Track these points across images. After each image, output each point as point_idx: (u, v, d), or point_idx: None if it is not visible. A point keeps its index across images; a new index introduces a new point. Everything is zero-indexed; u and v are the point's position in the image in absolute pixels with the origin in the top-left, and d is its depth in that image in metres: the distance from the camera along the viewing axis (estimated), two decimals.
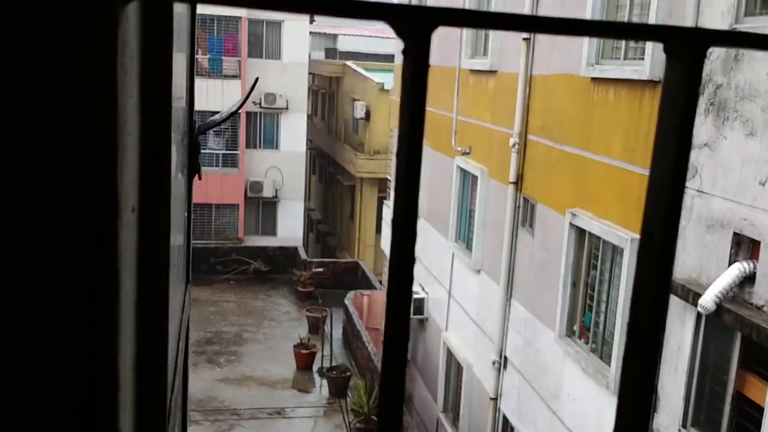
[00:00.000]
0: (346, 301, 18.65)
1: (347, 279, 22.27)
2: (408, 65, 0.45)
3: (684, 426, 6.56)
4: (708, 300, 5.85)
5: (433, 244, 13.88)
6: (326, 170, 31.01)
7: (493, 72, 11.30)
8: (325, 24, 39.06)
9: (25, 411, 0.68)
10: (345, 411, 14.60)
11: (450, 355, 12.94)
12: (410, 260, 0.47)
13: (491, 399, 10.96)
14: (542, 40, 9.67)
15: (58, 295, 0.67)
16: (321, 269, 22.35)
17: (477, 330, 11.80)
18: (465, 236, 12.55)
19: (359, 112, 25.76)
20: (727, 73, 6.11)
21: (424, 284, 14.46)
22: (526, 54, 9.92)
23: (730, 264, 5.94)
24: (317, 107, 33.22)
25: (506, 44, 10.83)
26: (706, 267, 6.28)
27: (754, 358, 5.91)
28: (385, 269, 19.12)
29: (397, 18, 0.43)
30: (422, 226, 14.31)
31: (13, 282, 0.65)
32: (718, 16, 6.25)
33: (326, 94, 31.72)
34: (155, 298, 0.94)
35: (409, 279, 0.46)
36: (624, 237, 7.51)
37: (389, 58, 29.93)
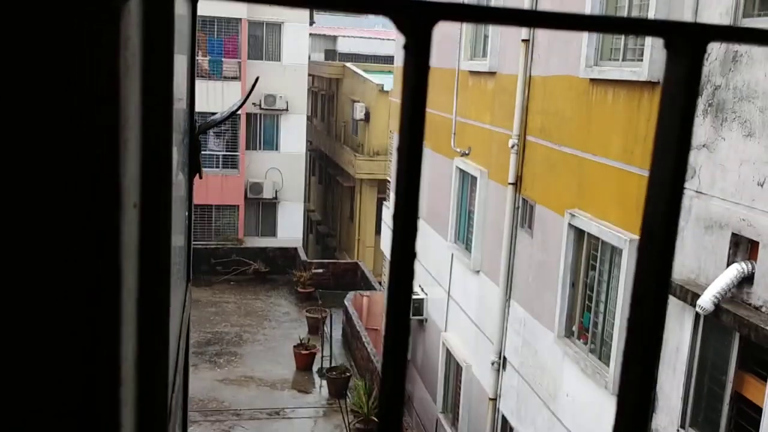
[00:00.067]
0: (345, 302, 18.65)
1: (347, 280, 22.27)
2: (409, 60, 0.45)
3: (683, 426, 6.56)
4: (706, 300, 5.86)
5: (432, 245, 13.88)
6: (326, 171, 31.01)
7: (492, 73, 11.30)
8: (325, 26, 39.07)
9: (25, 411, 0.68)
10: (345, 411, 14.59)
11: (449, 355, 12.94)
12: (411, 260, 0.47)
13: (490, 399, 10.95)
14: (541, 41, 9.68)
15: (60, 290, 0.68)
16: (321, 270, 22.35)
17: (476, 331, 11.80)
18: (464, 237, 12.55)
19: (359, 114, 25.77)
20: (725, 74, 6.12)
21: (423, 285, 14.45)
22: (525, 55, 9.93)
23: (728, 264, 5.94)
24: (317, 109, 33.22)
25: (505, 46, 10.84)
26: (704, 267, 6.29)
27: (752, 359, 5.92)
28: (385, 270, 19.11)
29: (398, 12, 0.43)
30: (421, 227, 14.32)
31: (15, 280, 0.66)
32: (716, 18, 6.26)
33: (326, 95, 31.73)
34: (156, 294, 0.94)
35: (410, 279, 0.47)
36: (623, 238, 7.51)
37: (389, 59, 29.95)
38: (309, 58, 27.54)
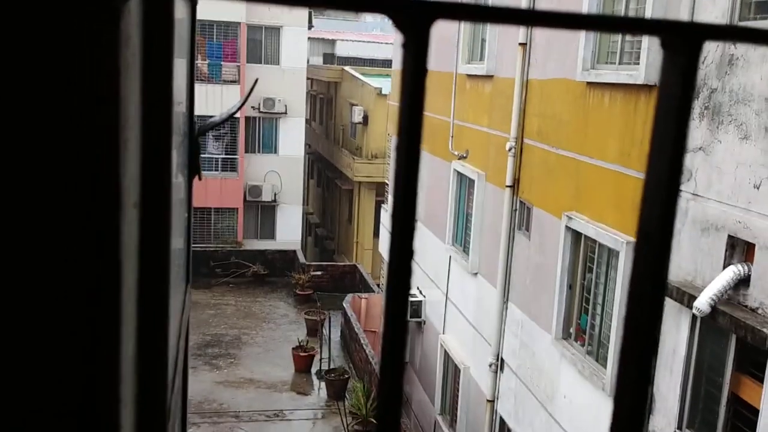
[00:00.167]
0: (344, 304, 18.65)
1: (345, 282, 22.28)
2: (407, 59, 0.45)
3: (679, 428, 6.57)
4: (703, 302, 5.87)
5: (430, 248, 13.88)
6: (324, 174, 31.02)
7: (489, 77, 11.32)
8: (324, 30, 39.11)
9: (25, 411, 0.68)
10: (343, 413, 14.58)
11: (447, 357, 12.94)
12: (408, 262, 0.47)
13: (488, 401, 10.95)
14: (538, 44, 9.70)
15: (60, 290, 0.68)
16: (319, 272, 22.36)
17: (474, 333, 11.80)
18: (462, 240, 12.56)
19: (357, 117, 25.80)
20: (721, 78, 6.14)
21: (421, 287, 14.46)
22: (523, 59, 9.95)
23: (724, 266, 5.95)
24: (315, 112, 33.25)
25: (503, 49, 10.86)
26: (701, 270, 6.30)
27: (748, 360, 5.93)
28: (383, 272, 19.11)
29: (396, 11, 0.44)
30: (419, 229, 14.31)
31: (15, 280, 0.66)
32: (712, 21, 6.28)
33: (324, 99, 31.75)
34: (156, 295, 0.94)
35: (407, 281, 0.47)
36: (619, 240, 7.53)
37: (387, 63, 29.98)
38: (308, 61, 27.56)
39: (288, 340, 18.10)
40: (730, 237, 5.98)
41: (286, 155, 26.31)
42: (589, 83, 8.33)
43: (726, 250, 6.01)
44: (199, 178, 1.89)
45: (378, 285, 20.81)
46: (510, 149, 10.21)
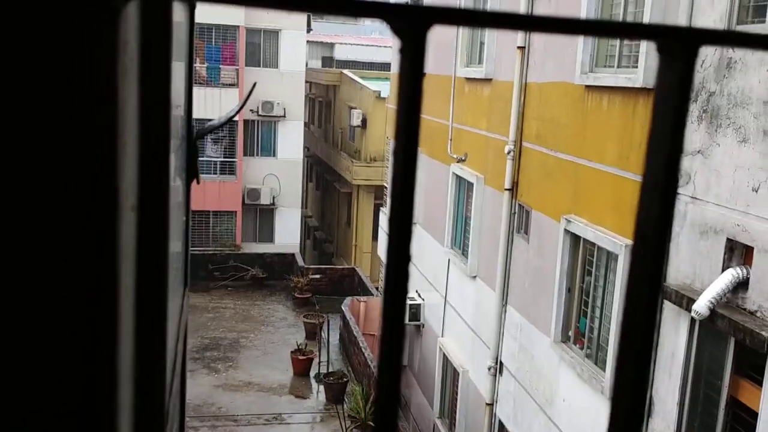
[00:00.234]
0: (342, 308, 18.63)
1: (344, 285, 22.26)
2: (404, 63, 0.45)
3: (678, 431, 6.56)
4: (702, 305, 5.87)
5: (429, 251, 13.88)
6: (323, 178, 31.03)
7: (488, 80, 11.34)
8: (322, 33, 39.14)
9: (24, 412, 0.69)
10: (342, 417, 14.56)
11: (446, 360, 12.93)
12: (406, 262, 0.48)
13: (487, 404, 10.95)
14: (537, 48, 9.71)
15: (58, 292, 0.68)
16: (318, 276, 22.34)
17: (473, 336, 11.80)
18: (461, 243, 12.56)
19: (356, 120, 25.82)
20: (719, 81, 6.15)
21: (420, 290, 14.45)
22: (521, 62, 9.97)
23: (723, 270, 5.96)
24: (314, 115, 33.26)
25: (501, 52, 10.88)
26: (699, 273, 6.30)
27: (747, 364, 5.93)
28: (382, 275, 19.11)
29: (393, 16, 0.44)
30: (418, 232, 14.32)
31: (12, 283, 0.66)
32: (710, 24, 6.29)
33: (323, 102, 31.77)
34: (154, 298, 0.94)
35: (405, 283, 0.47)
36: (618, 243, 7.53)
37: (385, 66, 30.01)
38: (306, 65, 27.59)
39: (287, 344, 18.08)
40: (728, 240, 5.98)
41: (285, 158, 26.32)
42: (587, 86, 8.34)
43: (725, 253, 6.01)
44: (197, 182, 1.89)
45: (377, 288, 20.80)
46: (509, 152, 10.22)
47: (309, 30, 27.54)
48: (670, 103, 0.48)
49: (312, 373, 16.80)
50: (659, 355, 6.80)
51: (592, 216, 8.20)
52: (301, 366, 16.76)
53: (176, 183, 1.59)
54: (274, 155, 26.36)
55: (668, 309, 6.62)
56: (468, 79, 12.14)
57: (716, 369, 6.23)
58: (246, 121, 25.36)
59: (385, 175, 19.73)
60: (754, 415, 5.72)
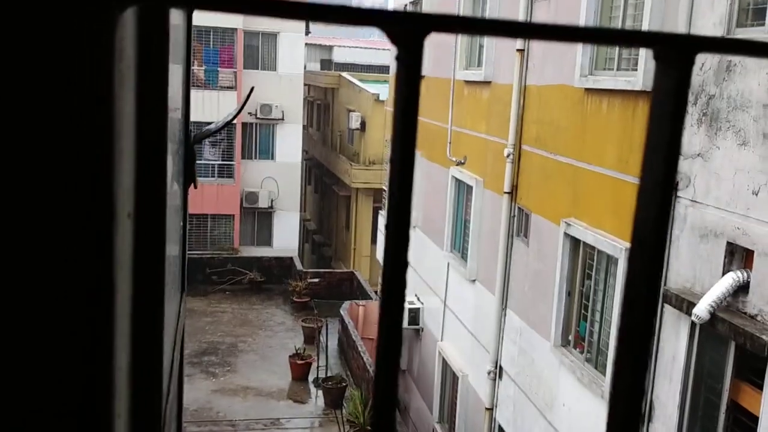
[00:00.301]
0: (341, 312, 18.61)
1: (343, 289, 22.24)
2: (401, 71, 0.45)
3: None
4: (702, 309, 5.87)
5: (428, 254, 13.88)
6: (322, 181, 31.03)
7: (487, 83, 11.35)
8: (321, 35, 39.18)
9: (22, 414, 0.68)
10: (341, 422, 14.53)
11: (445, 365, 12.92)
12: (403, 264, 0.47)
13: (487, 409, 10.93)
14: (536, 51, 9.72)
15: (54, 300, 0.68)
16: (316, 279, 22.31)
17: (472, 340, 11.78)
18: (460, 246, 12.56)
19: (355, 123, 25.83)
20: (719, 84, 6.15)
21: (419, 294, 14.44)
22: (520, 65, 9.97)
23: (723, 273, 5.95)
24: (313, 118, 33.28)
25: (500, 55, 10.88)
26: (699, 276, 6.30)
27: (748, 367, 5.92)
28: (380, 279, 19.09)
29: (389, 24, 0.43)
30: (418, 236, 14.32)
31: (7, 291, 0.66)
32: (709, 28, 6.30)
33: (322, 105, 31.79)
34: (151, 304, 0.94)
35: (402, 285, 0.47)
36: (618, 247, 7.53)
37: (384, 69, 30.02)
38: (305, 67, 27.61)
39: (285, 348, 18.05)
40: (729, 243, 5.98)
41: (283, 161, 26.32)
42: (587, 89, 8.35)
43: (725, 257, 6.01)
44: (195, 186, 1.89)
45: (376, 292, 20.79)
46: (508, 155, 10.22)
47: (307, 33, 27.57)
48: (667, 110, 0.48)
49: (310, 378, 16.77)
50: (660, 359, 6.80)
51: (592, 219, 8.20)
52: (300, 370, 16.73)
53: (173, 188, 1.58)
54: (272, 158, 26.36)
55: (669, 313, 6.61)
56: (467, 82, 12.15)
57: (717, 373, 6.23)
58: (244, 124, 25.37)
59: (384, 178, 19.74)
60: (755, 420, 5.71)
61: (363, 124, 25.58)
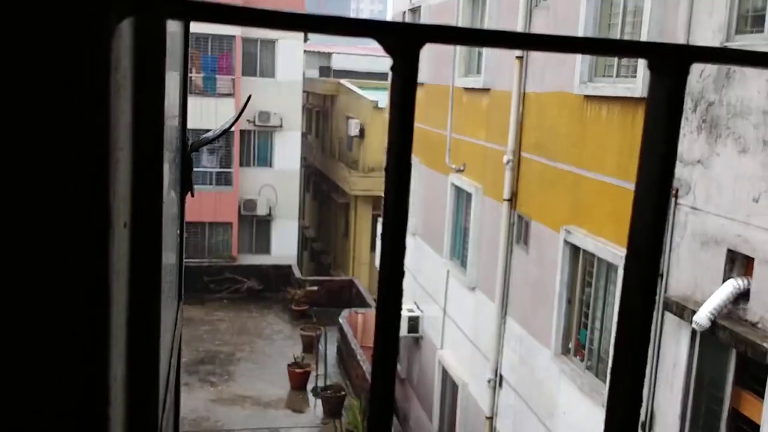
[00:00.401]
0: (340, 320, 18.57)
1: (342, 297, 22.19)
2: (396, 81, 0.45)
3: None
4: (703, 317, 5.86)
5: (427, 262, 13.87)
6: (321, 188, 31.04)
7: (486, 90, 11.36)
8: (320, 43, 39.26)
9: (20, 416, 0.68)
10: (339, 431, 14.49)
11: (445, 373, 12.88)
12: (400, 270, 0.47)
13: (487, 418, 10.90)
14: (535, 58, 9.74)
15: (48, 310, 0.67)
16: (315, 287, 22.27)
17: (472, 348, 11.76)
18: (460, 254, 12.55)
19: (353, 130, 25.85)
20: (719, 91, 6.16)
21: (419, 302, 14.42)
22: (520, 72, 9.99)
23: (724, 281, 5.95)
24: (311, 125, 33.31)
25: (500, 62, 10.91)
26: (700, 284, 6.29)
27: (749, 375, 5.91)
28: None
29: (385, 35, 0.43)
30: (417, 243, 14.31)
31: (3, 297, 0.65)
32: (709, 35, 6.31)
33: (320, 112, 31.83)
34: (147, 313, 0.93)
35: (399, 289, 0.46)
36: (618, 254, 7.52)
37: (383, 76, 30.08)
38: (303, 74, 27.66)
39: (283, 357, 17.99)
40: (729, 251, 5.98)
41: (282, 169, 26.32)
42: (586, 96, 8.37)
43: (725, 264, 6.00)
44: (192, 195, 1.88)
45: (375, 300, 20.75)
46: (507, 162, 10.23)
47: (306, 40, 27.62)
48: (662, 119, 0.47)
49: (309, 387, 16.71)
50: (660, 367, 6.78)
51: (592, 226, 8.20)
52: (298, 379, 16.68)
53: (170, 196, 1.58)
54: (270, 166, 26.35)
55: (669, 320, 6.60)
56: (466, 89, 12.17)
57: (718, 381, 6.21)
58: (242, 132, 25.38)
59: (383, 185, 19.74)
60: (757, 428, 5.69)
61: (362, 132, 25.60)
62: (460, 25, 12.36)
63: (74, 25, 0.60)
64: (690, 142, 6.46)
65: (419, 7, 14.57)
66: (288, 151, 26.38)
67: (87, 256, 0.67)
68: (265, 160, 26.35)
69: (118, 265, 0.77)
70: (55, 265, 0.66)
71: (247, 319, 21.28)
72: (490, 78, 11.21)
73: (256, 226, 26.37)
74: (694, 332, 6.28)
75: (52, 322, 0.67)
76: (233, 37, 24.84)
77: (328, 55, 40.20)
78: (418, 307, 14.38)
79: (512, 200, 10.28)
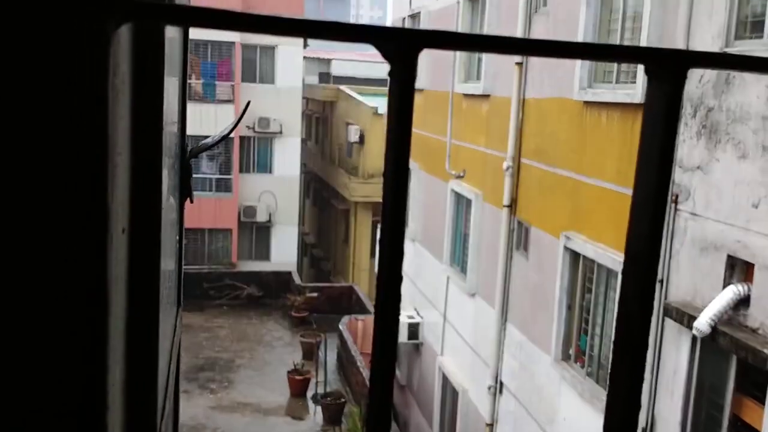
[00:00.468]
0: (340, 326, 18.54)
1: (342, 304, 22.17)
2: (394, 86, 0.45)
3: None
4: (703, 323, 5.85)
5: (427, 268, 13.85)
6: (320, 194, 31.04)
7: (486, 96, 11.38)
8: (319, 49, 39.31)
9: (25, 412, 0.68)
10: None
11: (445, 380, 12.86)
12: (398, 274, 0.47)
13: (487, 425, 10.87)
14: (535, 64, 9.76)
15: (46, 316, 0.67)
16: (315, 294, 22.24)
17: (472, 354, 11.74)
18: (459, 260, 12.54)
19: (353, 136, 25.87)
20: (718, 96, 6.17)
21: (418, 308, 14.40)
22: (519, 78, 10.01)
23: (724, 286, 5.94)
24: (311, 131, 33.34)
25: (499, 68, 10.92)
26: (700, 290, 6.28)
27: (750, 382, 5.89)
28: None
29: (382, 40, 0.43)
30: (417, 249, 14.30)
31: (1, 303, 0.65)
32: (708, 40, 6.32)
33: (320, 118, 31.87)
34: (146, 320, 0.93)
35: (397, 293, 0.46)
36: (618, 260, 7.52)
37: (383, 82, 30.13)
38: (303, 80, 27.69)
39: (283, 364, 17.95)
40: (729, 257, 5.97)
41: (282, 175, 26.32)
42: (586, 102, 8.38)
43: (725, 270, 6.00)
44: (191, 201, 1.88)
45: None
46: (507, 169, 10.23)
47: (306, 46, 27.66)
48: (659, 125, 0.47)
49: (309, 394, 16.67)
50: (661, 373, 6.77)
51: (592, 232, 8.19)
52: (298, 386, 16.63)
53: (169, 202, 1.58)
54: (270, 172, 26.35)
55: (669, 327, 6.59)
56: (466, 95, 12.18)
57: (718, 387, 6.20)
58: (242, 138, 25.39)
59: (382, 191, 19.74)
60: None
61: (362, 138, 25.62)
62: (459, 31, 12.35)
63: (73, 29, 0.60)
64: (690, 147, 6.46)
65: (419, 12, 14.61)
66: (288, 157, 26.38)
67: (85, 260, 0.67)
68: (264, 166, 26.34)
69: (116, 270, 0.77)
70: (53, 269, 0.66)
71: (247, 326, 21.24)
72: (490, 84, 11.22)
73: (256, 233, 26.34)
74: (694, 338, 6.27)
75: (50, 324, 0.67)
76: (233, 43, 24.87)
77: (328, 61, 40.26)
78: (418, 314, 14.36)
79: (512, 206, 10.28)
